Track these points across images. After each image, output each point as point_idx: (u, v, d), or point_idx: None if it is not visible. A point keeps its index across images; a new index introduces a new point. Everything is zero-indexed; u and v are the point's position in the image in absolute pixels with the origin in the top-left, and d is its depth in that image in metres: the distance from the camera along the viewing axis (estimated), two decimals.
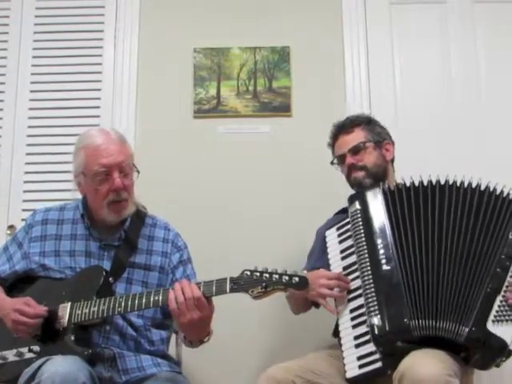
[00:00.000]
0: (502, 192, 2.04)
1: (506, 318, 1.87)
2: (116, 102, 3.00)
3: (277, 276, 1.81)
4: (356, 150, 2.33)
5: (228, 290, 1.84)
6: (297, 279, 1.81)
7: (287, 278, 1.81)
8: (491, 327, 1.86)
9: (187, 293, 1.84)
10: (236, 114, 3.00)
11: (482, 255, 1.96)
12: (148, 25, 3.09)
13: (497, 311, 1.88)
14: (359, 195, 2.17)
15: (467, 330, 1.87)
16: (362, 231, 2.07)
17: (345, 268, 2.11)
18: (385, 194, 2.11)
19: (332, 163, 2.45)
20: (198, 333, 1.98)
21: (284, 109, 2.99)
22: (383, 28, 3.08)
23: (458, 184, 2.06)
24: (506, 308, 1.88)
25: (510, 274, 1.93)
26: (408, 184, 2.10)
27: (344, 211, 2.28)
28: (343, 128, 2.40)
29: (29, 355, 1.94)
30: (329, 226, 2.29)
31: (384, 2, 3.10)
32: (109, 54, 3.05)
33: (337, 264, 2.14)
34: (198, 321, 1.86)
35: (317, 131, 2.96)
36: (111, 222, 2.11)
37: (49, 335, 1.95)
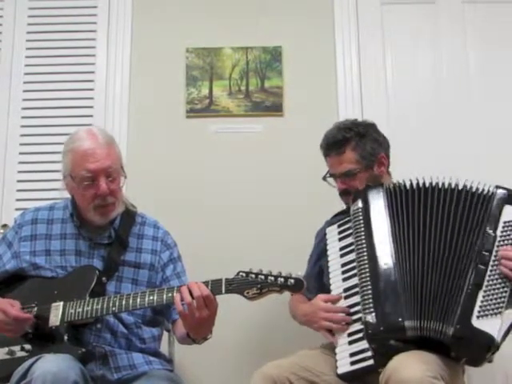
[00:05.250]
0: (477, 189, 2.06)
1: (490, 311, 1.88)
2: (109, 102, 3.01)
3: (272, 278, 1.82)
4: (346, 175, 2.31)
5: (224, 291, 1.85)
6: (292, 281, 1.82)
7: (282, 279, 1.82)
8: (476, 323, 1.87)
9: (195, 292, 1.84)
10: (228, 113, 3.01)
11: (462, 252, 1.98)
12: (140, 25, 3.09)
13: (480, 306, 1.89)
14: (362, 194, 2.17)
15: (452, 328, 1.88)
16: (363, 229, 2.08)
17: (343, 265, 2.12)
18: (386, 194, 2.13)
19: (324, 179, 2.42)
20: (205, 330, 1.99)
21: (276, 108, 3.00)
22: (374, 28, 3.10)
23: (440, 185, 2.09)
24: (490, 302, 1.89)
25: (489, 267, 1.94)
26: (404, 186, 2.12)
27: (342, 213, 2.29)
28: (334, 146, 2.33)
29: (20, 354, 1.94)
30: (329, 224, 2.30)
31: (375, 3, 3.12)
32: (101, 54, 3.06)
33: (335, 261, 2.16)
34: (207, 319, 1.87)
35: (308, 131, 2.97)
36: (98, 223, 2.12)
37: (41, 334, 1.96)
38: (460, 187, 2.08)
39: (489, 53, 3.07)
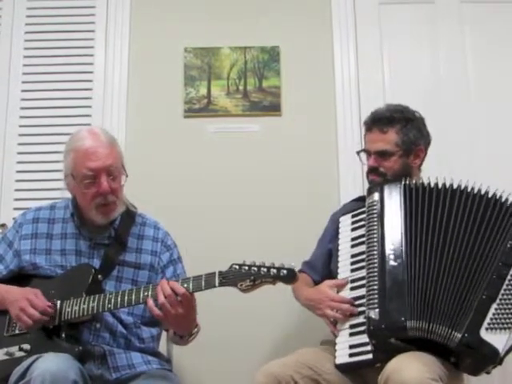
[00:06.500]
0: (506, 200, 2.04)
1: (500, 326, 1.87)
2: (107, 101, 3.01)
3: (265, 269, 1.83)
4: (382, 154, 2.29)
5: (217, 284, 1.86)
6: (285, 272, 1.82)
7: (275, 270, 1.82)
8: (484, 334, 1.86)
9: (166, 291, 1.86)
10: (226, 113, 3.01)
11: (481, 262, 1.96)
12: (139, 25, 3.10)
13: (491, 319, 1.88)
14: (379, 187, 2.16)
15: (460, 335, 1.87)
16: (376, 224, 2.07)
17: (352, 256, 2.13)
18: (405, 190, 2.11)
19: (358, 153, 2.42)
20: (186, 327, 2.01)
21: (274, 108, 3.00)
22: (372, 28, 3.10)
23: (469, 190, 2.07)
24: (501, 316, 1.88)
25: (506, 282, 1.92)
26: (425, 184, 2.10)
27: (361, 199, 2.28)
28: (379, 122, 2.32)
29: (19, 354, 1.94)
30: (344, 211, 2.30)
31: (373, 2, 3.12)
32: (100, 54, 3.06)
33: (345, 251, 2.16)
34: (184, 316, 1.88)
35: (306, 130, 2.99)
36: (99, 223, 2.12)
37: (39, 333, 1.96)
38: (489, 195, 2.05)
39: (487, 53, 3.07)
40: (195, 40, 3.08)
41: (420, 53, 3.10)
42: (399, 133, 2.29)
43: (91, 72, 3.05)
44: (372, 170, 2.32)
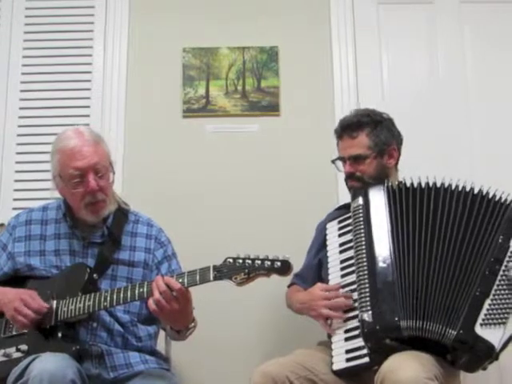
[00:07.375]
0: (494, 196, 2.05)
1: (495, 321, 1.88)
2: (106, 101, 3.01)
3: (259, 261, 1.84)
4: (356, 159, 2.30)
5: (212, 278, 1.86)
6: (279, 264, 1.83)
7: (269, 263, 1.83)
8: (479, 330, 1.87)
9: (161, 286, 1.86)
10: (225, 113, 3.01)
11: (472, 258, 1.97)
12: (137, 25, 3.10)
13: (485, 314, 1.88)
14: (363, 191, 2.16)
15: (455, 332, 1.88)
16: (362, 227, 2.08)
17: (342, 261, 2.12)
18: (388, 192, 2.12)
19: (333, 162, 2.43)
20: (182, 321, 2.01)
21: (272, 108, 3.01)
22: (371, 28, 3.10)
23: (453, 187, 2.07)
24: (495, 312, 1.89)
25: (498, 277, 1.93)
26: (408, 184, 2.11)
27: (345, 207, 2.29)
28: (348, 129, 2.33)
29: (17, 355, 1.95)
30: (330, 219, 2.30)
31: (372, 2, 3.12)
32: (98, 53, 3.07)
33: (334, 257, 2.16)
34: (179, 310, 1.88)
35: (305, 130, 2.99)
36: (91, 222, 2.12)
37: (36, 333, 1.97)
38: (475, 191, 2.06)
39: (486, 53, 3.07)
40: (194, 40, 3.08)
41: (419, 52, 3.10)
42: (370, 135, 2.30)
43: (90, 72, 3.05)
44: (349, 176, 2.33)
